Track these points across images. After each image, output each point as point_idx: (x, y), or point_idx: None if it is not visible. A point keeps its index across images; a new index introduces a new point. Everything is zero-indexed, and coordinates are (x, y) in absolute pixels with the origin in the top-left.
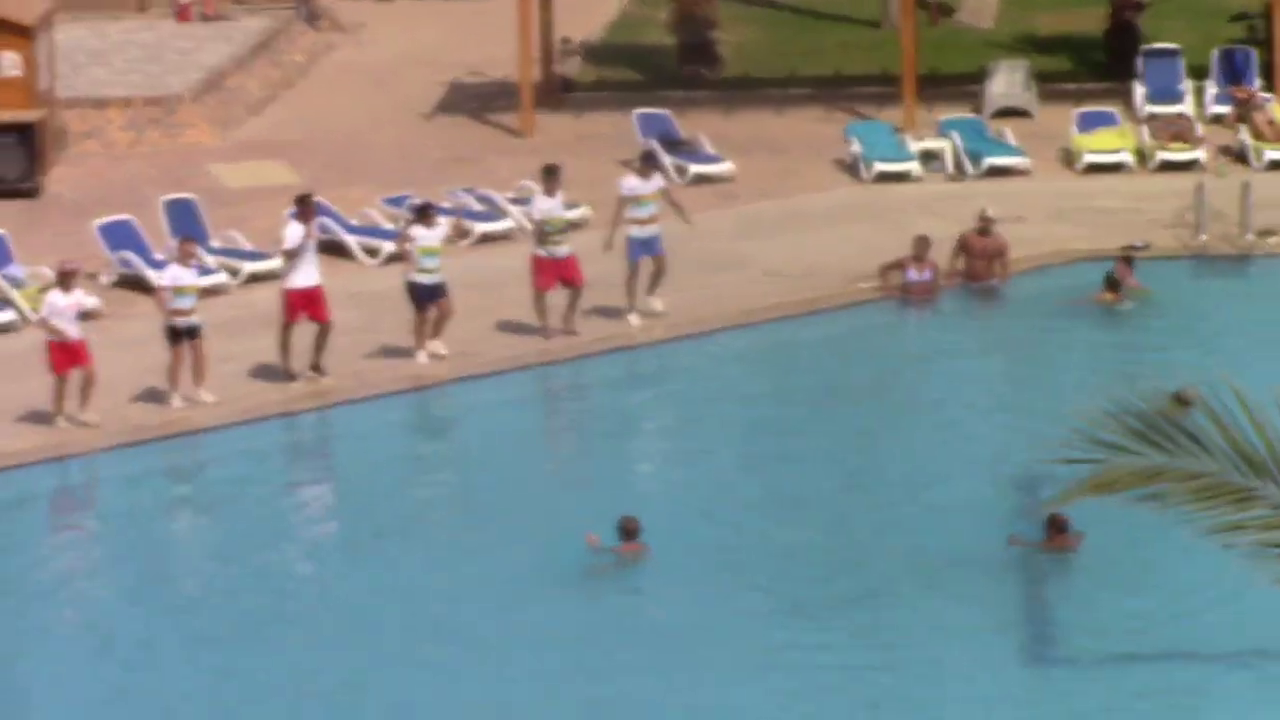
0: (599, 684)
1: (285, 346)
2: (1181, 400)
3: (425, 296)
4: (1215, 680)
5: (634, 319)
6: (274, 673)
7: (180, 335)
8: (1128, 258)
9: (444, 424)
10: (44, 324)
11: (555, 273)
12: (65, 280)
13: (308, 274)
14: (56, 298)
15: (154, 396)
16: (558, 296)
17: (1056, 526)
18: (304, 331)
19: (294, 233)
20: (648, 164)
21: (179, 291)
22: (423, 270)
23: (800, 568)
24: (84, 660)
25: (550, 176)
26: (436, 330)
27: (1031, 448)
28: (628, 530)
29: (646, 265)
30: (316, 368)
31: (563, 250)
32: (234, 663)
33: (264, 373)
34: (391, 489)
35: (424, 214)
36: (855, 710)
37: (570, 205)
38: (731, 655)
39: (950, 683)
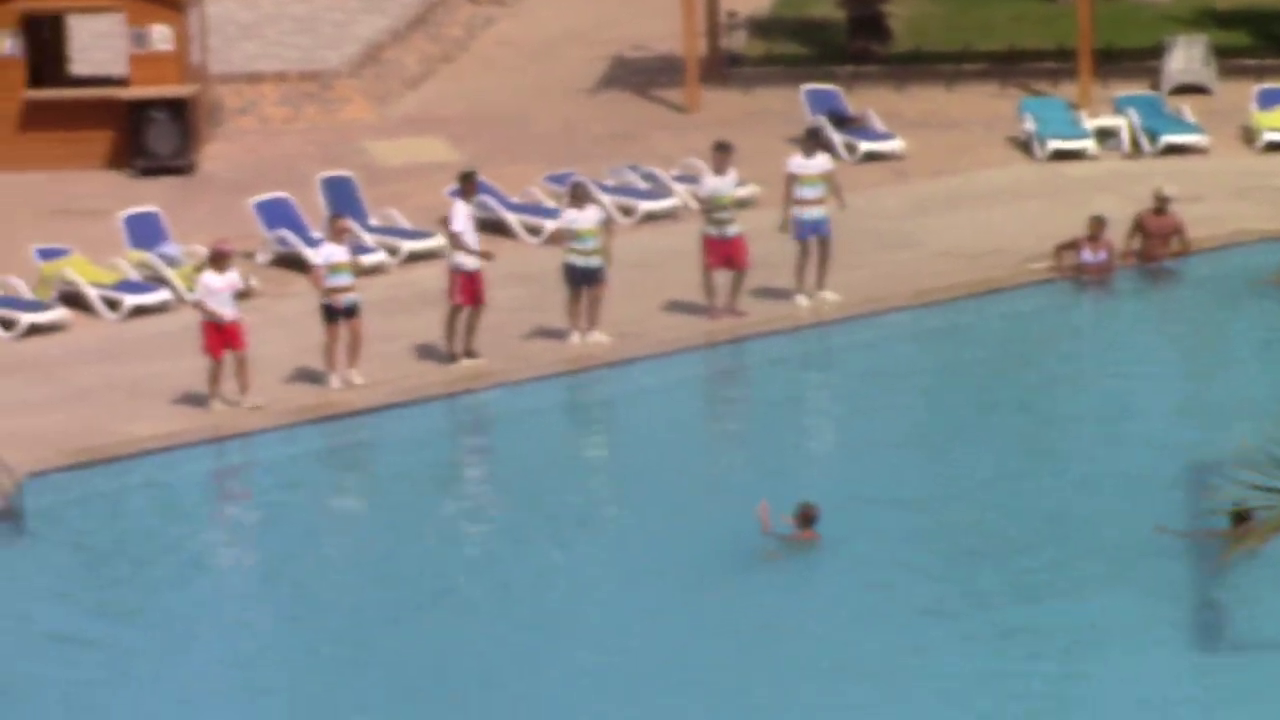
0: (764, 680)
1: (452, 328)
2: None
3: (578, 279)
4: None
5: (801, 300)
6: (434, 658)
7: (336, 314)
8: None
9: (606, 406)
10: (199, 305)
11: (723, 253)
12: (219, 261)
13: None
14: (211, 279)
15: (310, 377)
16: (723, 276)
17: (1240, 519)
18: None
19: (459, 211)
20: (812, 142)
21: (333, 269)
22: (574, 251)
23: (973, 554)
24: (236, 642)
25: (721, 153)
26: (590, 317)
27: (1209, 435)
28: (806, 517)
29: (814, 247)
30: (470, 353)
31: (731, 230)
32: (395, 647)
33: (425, 353)
34: (554, 472)
35: (575, 195)
36: (1030, 700)
37: (739, 184)
38: (901, 647)
39: (1122, 672)
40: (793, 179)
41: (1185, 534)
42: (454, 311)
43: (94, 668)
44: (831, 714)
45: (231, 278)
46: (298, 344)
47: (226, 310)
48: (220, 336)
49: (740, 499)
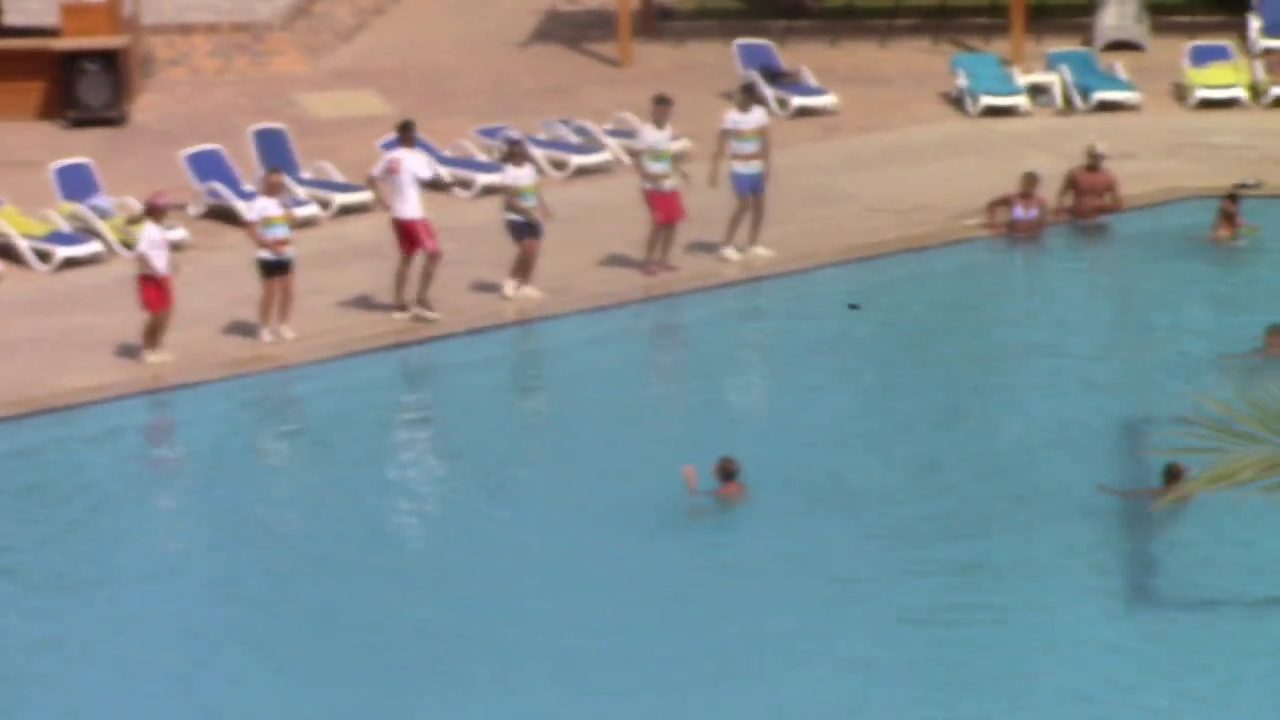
0: (696, 623)
1: (402, 278)
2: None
3: (526, 233)
4: None
5: (730, 253)
6: (362, 608)
7: (274, 269)
8: (1234, 196)
9: (539, 359)
10: (143, 259)
11: (664, 207)
12: (156, 214)
13: (415, 204)
14: (152, 230)
15: (242, 330)
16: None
17: (1173, 475)
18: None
19: (413, 162)
20: (748, 96)
21: (268, 223)
22: (516, 210)
23: (897, 505)
24: (170, 594)
25: (661, 106)
26: (523, 271)
27: (1139, 389)
28: (727, 471)
29: (750, 203)
30: (424, 302)
31: (668, 184)
32: (323, 597)
33: (357, 305)
34: (484, 426)
35: (513, 153)
36: (949, 648)
37: (673, 138)
38: (825, 592)
39: (1039, 623)
40: (727, 134)
41: (1121, 493)
42: (406, 262)
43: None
44: (763, 652)
45: (168, 232)
46: (229, 296)
47: (163, 264)
48: (159, 290)
49: (671, 454)
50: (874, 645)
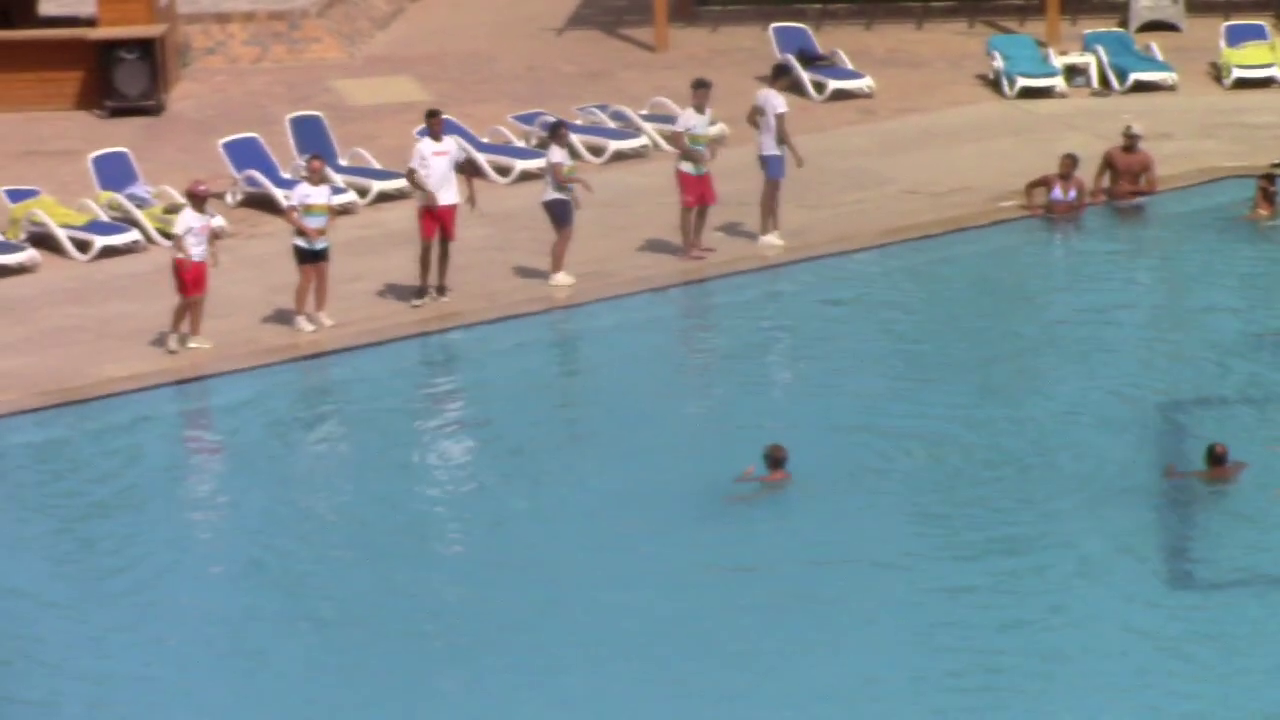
0: (738, 611)
1: (426, 263)
2: None
3: (568, 217)
4: None
5: (773, 238)
6: (400, 583)
7: (309, 256)
8: (1271, 175)
9: (578, 343)
10: (178, 243)
11: (697, 189)
12: (197, 200)
13: (446, 191)
14: (190, 216)
15: (280, 317)
16: (692, 214)
17: (1216, 458)
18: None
19: (423, 149)
20: (777, 78)
21: (309, 211)
22: (561, 189)
23: (938, 488)
24: (212, 580)
25: (701, 90)
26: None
27: (1178, 372)
28: (775, 459)
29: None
30: (441, 288)
31: (705, 167)
32: (364, 578)
33: (394, 293)
34: (523, 409)
35: (556, 134)
36: (986, 631)
37: (711, 122)
38: (868, 578)
39: (1080, 605)
40: (781, 118)
41: (1181, 475)
42: (425, 246)
43: (63, 605)
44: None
45: (207, 219)
46: (267, 284)
47: (200, 250)
48: (194, 276)
49: (713, 437)
50: (911, 623)
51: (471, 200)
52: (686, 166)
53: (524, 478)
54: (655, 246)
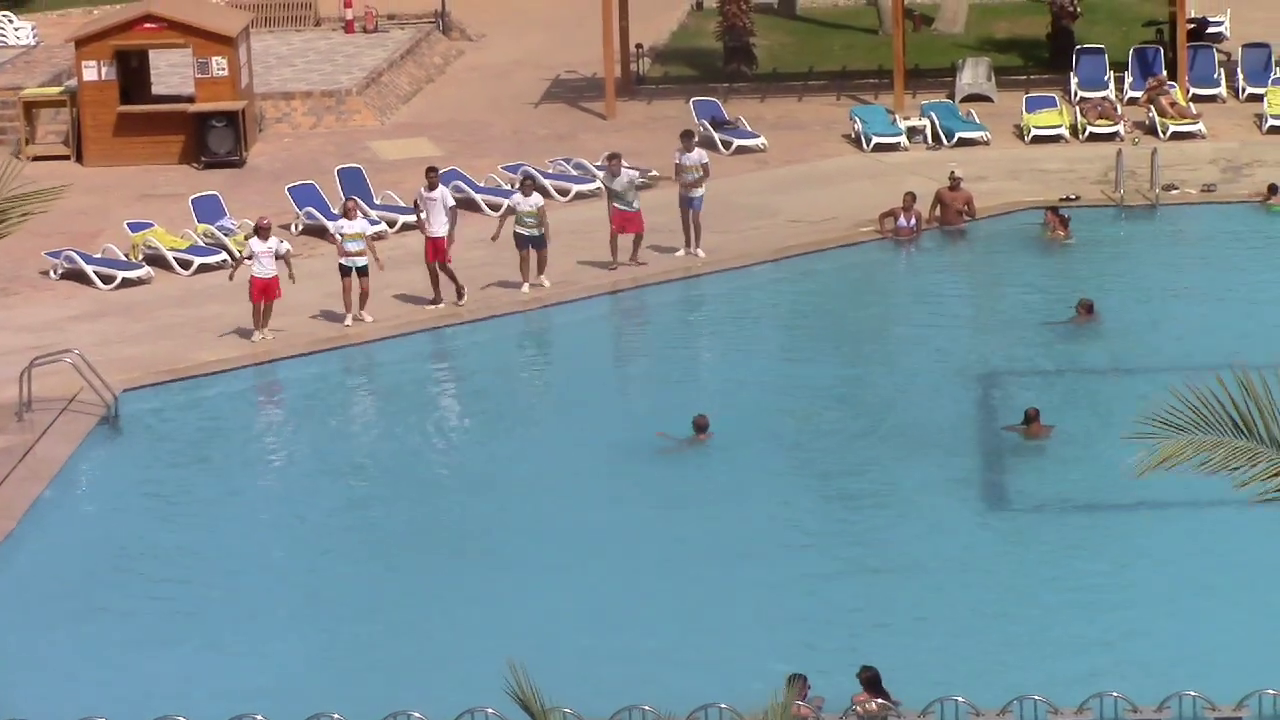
0: (673, 525)
1: (435, 278)
2: (1085, 307)
3: (523, 244)
4: (1140, 528)
5: (681, 253)
6: (420, 519)
7: (347, 271)
8: (1054, 207)
9: (549, 336)
10: (242, 263)
11: (621, 221)
12: (262, 232)
13: (439, 226)
14: (255, 244)
15: (331, 316)
16: (625, 239)
17: (1030, 418)
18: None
19: (422, 193)
20: (686, 140)
21: (345, 238)
22: (522, 225)
23: (816, 439)
24: (271, 505)
25: (614, 160)
26: (539, 268)
27: (991, 351)
28: (699, 425)
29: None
30: (459, 292)
31: (636, 205)
32: (384, 513)
33: (416, 297)
34: (511, 386)
35: (523, 186)
36: (854, 541)
37: (644, 170)
38: (763, 502)
39: (926, 525)
40: (680, 168)
41: (1006, 428)
42: (430, 267)
43: (178, 529)
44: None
45: (272, 243)
46: (321, 291)
47: (265, 268)
48: (260, 287)
49: (648, 406)
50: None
51: (450, 238)
52: (618, 203)
53: (512, 427)
54: (605, 263)
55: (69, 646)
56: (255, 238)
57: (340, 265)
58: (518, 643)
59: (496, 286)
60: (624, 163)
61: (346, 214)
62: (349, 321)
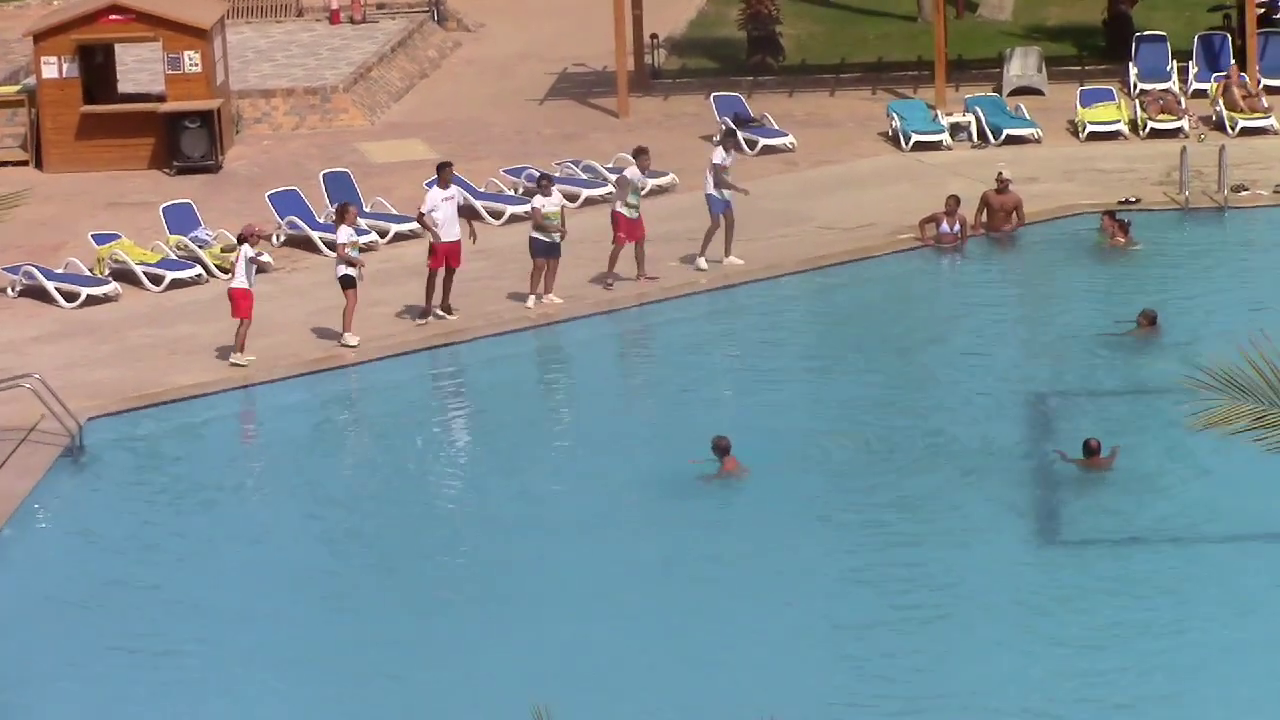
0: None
1: (431, 288)
2: (1148, 319)
3: (541, 252)
4: (1196, 565)
5: (702, 262)
6: (417, 545)
7: (353, 282)
8: (1112, 211)
9: (558, 355)
10: (233, 271)
11: (628, 229)
12: (251, 239)
13: (451, 229)
14: (247, 250)
15: (321, 335)
16: (626, 250)
17: (1090, 450)
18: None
19: (433, 196)
20: (731, 139)
21: (353, 247)
22: (542, 231)
23: (851, 463)
24: (257, 546)
25: (642, 156)
26: (548, 285)
27: (1045, 370)
28: (720, 447)
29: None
30: (446, 308)
31: (638, 212)
32: (384, 535)
33: (410, 314)
34: (515, 409)
35: (540, 185)
36: (894, 567)
37: (660, 173)
38: (798, 526)
39: (970, 558)
40: (718, 168)
41: (1067, 460)
42: (432, 274)
43: (149, 570)
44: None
45: (257, 255)
46: (306, 309)
47: (250, 280)
48: (248, 301)
49: (669, 429)
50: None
51: (473, 236)
52: (622, 209)
53: (516, 457)
54: (623, 274)
55: (36, 698)
56: (247, 246)
57: (347, 276)
58: (531, 688)
59: (499, 301)
60: None
61: (349, 221)
62: (352, 340)
